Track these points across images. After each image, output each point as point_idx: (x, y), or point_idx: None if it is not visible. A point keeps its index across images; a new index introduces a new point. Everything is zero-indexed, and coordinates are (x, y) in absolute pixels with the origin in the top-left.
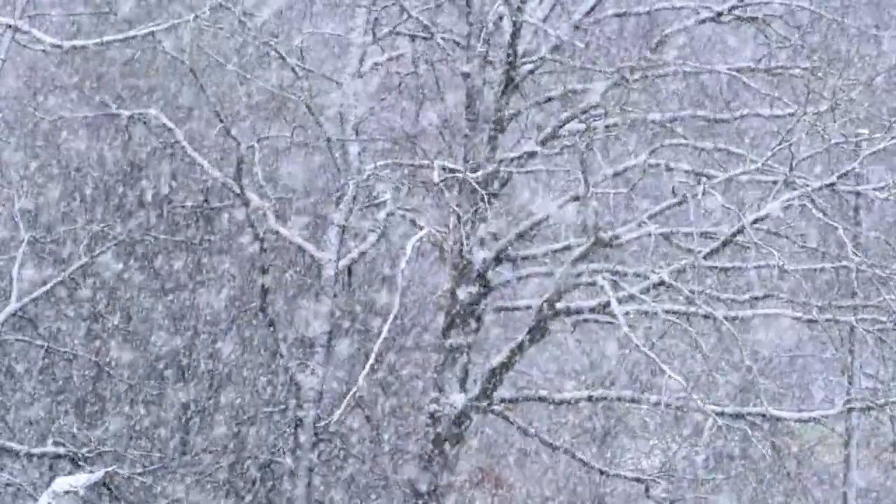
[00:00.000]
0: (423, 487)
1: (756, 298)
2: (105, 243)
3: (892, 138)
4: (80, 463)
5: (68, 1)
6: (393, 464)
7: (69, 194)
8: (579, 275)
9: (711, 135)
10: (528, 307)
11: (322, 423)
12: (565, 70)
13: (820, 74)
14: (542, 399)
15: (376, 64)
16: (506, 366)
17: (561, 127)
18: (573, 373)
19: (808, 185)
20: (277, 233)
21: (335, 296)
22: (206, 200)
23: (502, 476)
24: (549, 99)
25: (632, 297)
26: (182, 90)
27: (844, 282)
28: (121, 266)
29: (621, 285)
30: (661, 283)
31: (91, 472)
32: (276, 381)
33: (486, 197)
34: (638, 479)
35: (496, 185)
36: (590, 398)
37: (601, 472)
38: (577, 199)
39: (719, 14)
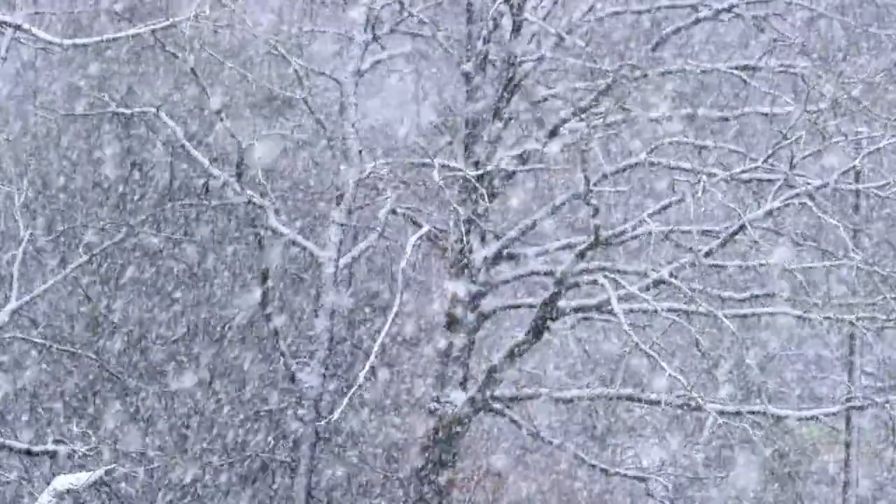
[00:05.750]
0: (424, 485)
1: (756, 296)
2: (105, 241)
3: (893, 137)
4: (80, 461)
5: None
6: (393, 462)
7: (69, 191)
8: (580, 273)
9: (712, 132)
10: (528, 306)
11: (322, 422)
12: (565, 68)
13: (820, 73)
14: (542, 397)
15: (377, 62)
16: (506, 364)
17: (561, 125)
18: (573, 371)
19: (808, 184)
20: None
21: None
22: (207, 194)
23: (503, 474)
24: (550, 97)
25: (632, 296)
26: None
27: (845, 279)
28: (121, 262)
29: (621, 283)
30: (662, 281)
31: (91, 470)
32: (276, 380)
33: (486, 195)
34: (639, 478)
35: (497, 183)
36: (590, 396)
37: (602, 471)
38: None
39: (719, 12)
